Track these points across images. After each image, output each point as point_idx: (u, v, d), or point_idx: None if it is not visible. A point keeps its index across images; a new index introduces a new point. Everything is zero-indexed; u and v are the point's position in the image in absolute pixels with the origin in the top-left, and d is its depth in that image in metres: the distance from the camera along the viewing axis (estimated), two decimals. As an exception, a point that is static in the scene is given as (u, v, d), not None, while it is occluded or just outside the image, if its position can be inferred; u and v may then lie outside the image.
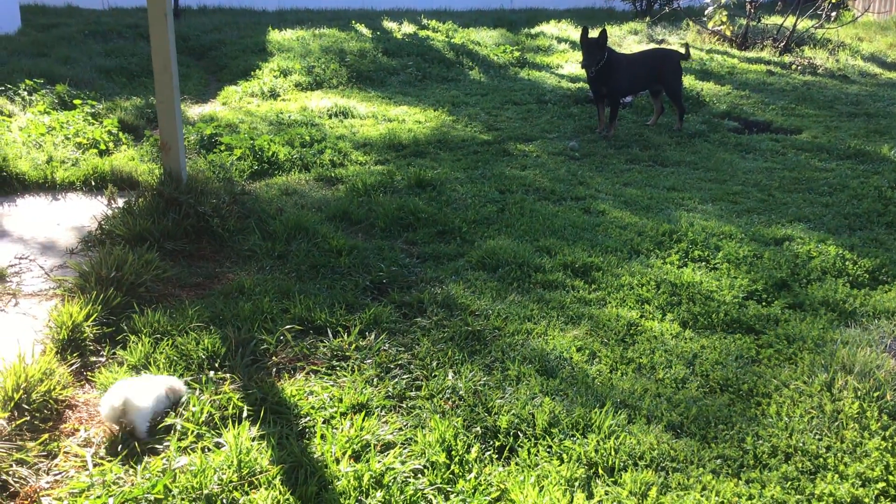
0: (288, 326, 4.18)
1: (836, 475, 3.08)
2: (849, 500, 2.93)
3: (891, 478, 3.03)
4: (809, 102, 10.99)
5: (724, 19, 15.10)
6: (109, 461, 3.09)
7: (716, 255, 5.35)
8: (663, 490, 3.01)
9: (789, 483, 3.06)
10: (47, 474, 3.05)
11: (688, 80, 11.41)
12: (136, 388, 3.31)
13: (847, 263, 5.21)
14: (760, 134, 9.37)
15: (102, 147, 7.45)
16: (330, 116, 9.63)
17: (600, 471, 3.12)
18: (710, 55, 13.92)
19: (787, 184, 7.27)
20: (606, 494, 2.98)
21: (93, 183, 6.56)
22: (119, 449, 3.17)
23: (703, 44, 15.50)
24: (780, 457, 3.23)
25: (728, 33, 15.26)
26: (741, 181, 7.36)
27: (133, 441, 3.23)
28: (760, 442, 3.31)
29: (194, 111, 9.83)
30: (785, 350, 4.11)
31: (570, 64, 13.55)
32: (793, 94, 11.49)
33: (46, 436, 3.25)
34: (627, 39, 15.69)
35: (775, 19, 16.72)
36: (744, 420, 3.49)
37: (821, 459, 3.19)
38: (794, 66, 13.37)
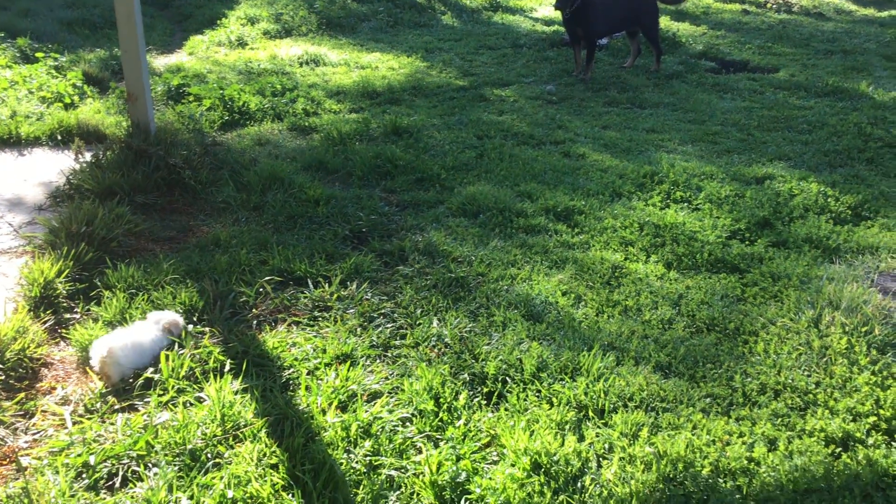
0: (267, 278, 4.08)
1: (827, 411, 3.07)
2: (840, 434, 2.92)
3: (881, 412, 3.02)
4: (786, 41, 10.90)
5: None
6: (89, 419, 3.01)
7: (698, 196, 5.30)
8: (654, 430, 2.99)
9: (780, 420, 3.05)
10: (25, 434, 2.97)
11: (663, 21, 11.26)
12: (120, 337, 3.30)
13: (829, 200, 5.18)
14: (738, 73, 9.28)
15: (67, 101, 7.21)
16: (301, 65, 9.39)
17: (590, 413, 3.09)
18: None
19: (766, 123, 7.21)
20: (597, 436, 2.95)
21: (59, 137, 6.35)
22: (98, 405, 3.09)
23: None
24: (770, 394, 3.21)
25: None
26: (720, 121, 7.29)
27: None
28: (749, 380, 3.30)
29: (160, 62, 9.54)
30: (770, 288, 4.09)
31: (545, 7, 13.33)
32: (769, 32, 11.39)
33: (22, 395, 3.16)
34: (601, -19, 15.42)
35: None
36: (732, 358, 3.47)
37: (810, 395, 3.18)
38: (769, 5, 13.25)
